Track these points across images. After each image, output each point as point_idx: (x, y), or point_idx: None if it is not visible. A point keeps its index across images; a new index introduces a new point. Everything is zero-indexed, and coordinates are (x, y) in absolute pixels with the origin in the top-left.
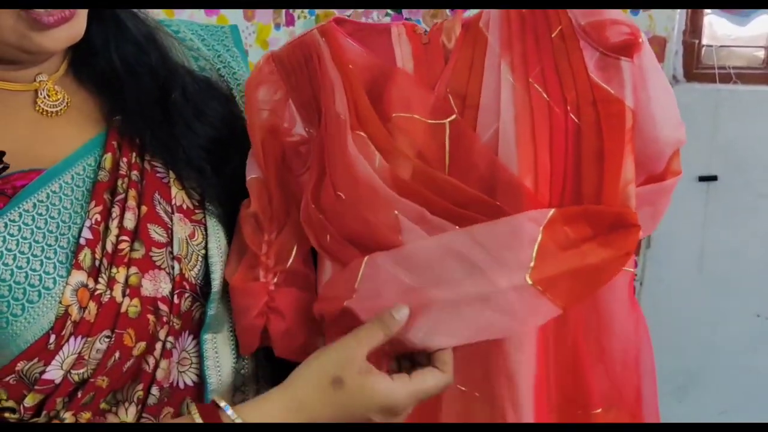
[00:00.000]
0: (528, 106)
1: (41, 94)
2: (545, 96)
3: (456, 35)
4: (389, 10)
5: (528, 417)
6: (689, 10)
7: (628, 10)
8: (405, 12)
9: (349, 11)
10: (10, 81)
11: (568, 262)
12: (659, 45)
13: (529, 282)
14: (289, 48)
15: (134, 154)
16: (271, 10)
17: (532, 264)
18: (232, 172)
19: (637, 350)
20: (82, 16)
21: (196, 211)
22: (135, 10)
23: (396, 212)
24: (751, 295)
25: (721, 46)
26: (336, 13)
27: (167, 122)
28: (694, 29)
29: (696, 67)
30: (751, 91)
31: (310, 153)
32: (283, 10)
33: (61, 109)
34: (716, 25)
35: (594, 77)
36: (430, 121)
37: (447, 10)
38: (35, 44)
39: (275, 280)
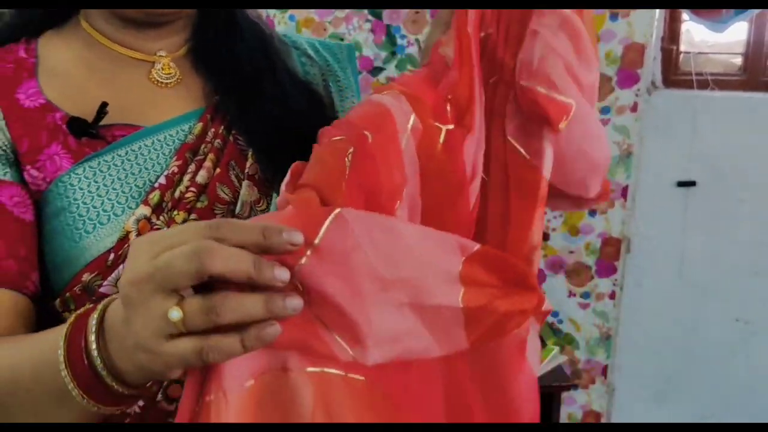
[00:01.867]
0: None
1: (156, 66)
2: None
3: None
4: (369, 16)
5: None
6: (667, 18)
7: (608, 17)
8: (385, 17)
9: (330, 17)
10: (134, 50)
11: (483, 299)
12: (638, 51)
13: (461, 305)
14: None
15: (222, 128)
16: None
17: (463, 289)
18: None
19: (517, 412)
20: None
21: (267, 183)
22: (250, 16)
23: (406, 172)
24: (731, 300)
25: (699, 53)
26: (316, 18)
27: (256, 110)
28: (672, 36)
29: (674, 73)
30: (729, 97)
31: None
32: (264, 16)
33: (170, 83)
34: (694, 32)
35: (511, 140)
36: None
37: (427, 15)
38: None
39: None
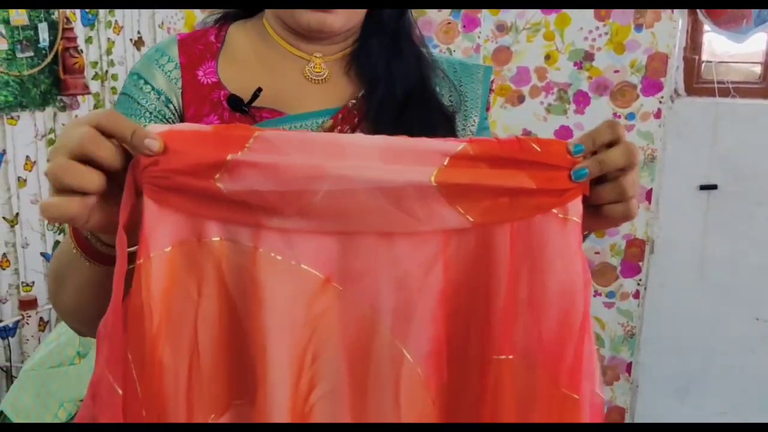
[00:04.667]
0: None
1: (310, 63)
2: None
3: None
4: None
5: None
6: (690, 29)
7: (633, 28)
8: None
9: None
10: (296, 48)
11: (477, 176)
12: (661, 61)
13: (433, 183)
14: None
15: (348, 128)
16: None
17: (437, 169)
18: None
19: (571, 305)
20: (341, 14)
21: None
22: (416, 43)
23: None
24: (750, 300)
25: (720, 62)
26: None
27: (393, 126)
28: (694, 46)
29: (696, 81)
30: (749, 104)
31: None
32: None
33: (319, 80)
34: (715, 42)
35: None
36: None
37: (459, 26)
38: (295, 19)
39: None
